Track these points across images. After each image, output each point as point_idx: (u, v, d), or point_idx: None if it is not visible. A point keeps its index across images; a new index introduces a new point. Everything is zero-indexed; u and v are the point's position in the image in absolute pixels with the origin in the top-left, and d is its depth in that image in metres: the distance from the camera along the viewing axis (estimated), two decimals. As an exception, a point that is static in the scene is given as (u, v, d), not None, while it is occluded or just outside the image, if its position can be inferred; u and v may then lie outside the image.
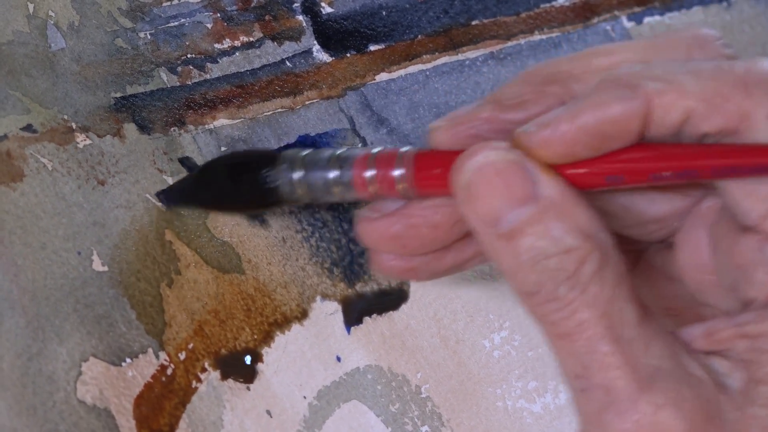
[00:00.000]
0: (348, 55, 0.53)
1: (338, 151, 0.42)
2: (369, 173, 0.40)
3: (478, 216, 0.37)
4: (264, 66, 0.52)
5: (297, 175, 0.42)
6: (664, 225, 0.41)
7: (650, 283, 0.42)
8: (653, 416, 0.34)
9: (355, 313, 0.49)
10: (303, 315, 0.48)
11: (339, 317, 0.49)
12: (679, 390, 0.35)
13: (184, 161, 0.49)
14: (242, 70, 0.51)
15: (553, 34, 0.57)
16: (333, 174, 0.41)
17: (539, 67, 0.40)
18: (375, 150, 0.41)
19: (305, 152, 0.43)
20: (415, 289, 0.51)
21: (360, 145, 0.52)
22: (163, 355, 0.45)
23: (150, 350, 0.45)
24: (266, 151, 0.47)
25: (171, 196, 0.48)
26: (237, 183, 0.43)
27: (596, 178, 0.37)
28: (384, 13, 0.55)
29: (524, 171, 0.36)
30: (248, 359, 0.47)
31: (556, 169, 0.37)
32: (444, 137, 0.40)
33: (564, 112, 0.36)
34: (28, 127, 0.47)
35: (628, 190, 0.39)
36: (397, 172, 0.40)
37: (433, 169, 0.39)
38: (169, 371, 0.45)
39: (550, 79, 0.39)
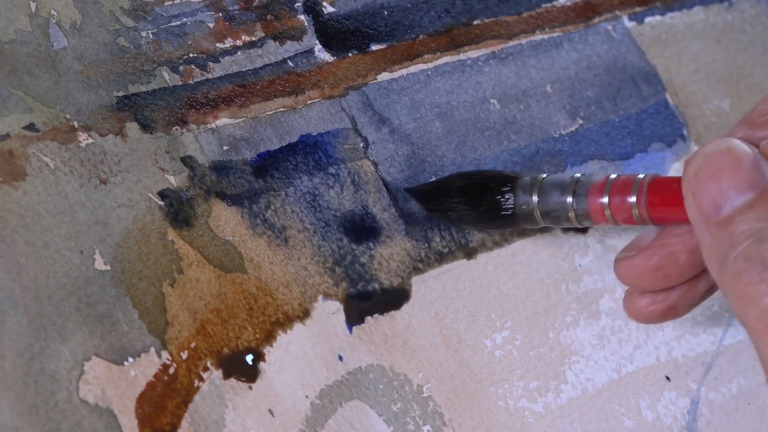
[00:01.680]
0: (350, 54, 0.53)
1: (575, 176, 0.43)
2: (604, 200, 0.41)
3: (701, 205, 0.37)
4: (266, 65, 0.52)
5: (534, 199, 0.43)
6: None
7: None
8: None
9: (356, 312, 0.49)
10: (305, 314, 0.48)
11: (341, 316, 0.49)
12: None
13: (186, 160, 0.49)
14: (244, 70, 0.51)
15: (555, 34, 0.57)
16: (568, 200, 0.42)
17: None
18: (612, 176, 0.41)
19: (542, 176, 0.44)
20: (417, 288, 0.51)
21: (361, 144, 0.52)
22: (165, 355, 0.45)
23: (152, 349, 0.45)
24: (505, 173, 0.49)
25: (419, 195, 0.50)
26: (476, 203, 0.45)
27: None
28: (386, 12, 0.55)
29: (751, 161, 0.37)
30: (250, 358, 0.47)
31: None
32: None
33: None
34: (31, 126, 0.46)
35: None
36: (632, 199, 0.41)
37: (669, 194, 0.40)
38: (171, 370, 0.45)
39: None
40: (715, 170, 0.38)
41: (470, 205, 0.47)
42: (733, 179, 0.37)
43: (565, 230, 0.54)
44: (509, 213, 0.45)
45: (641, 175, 0.42)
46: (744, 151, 0.38)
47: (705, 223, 0.37)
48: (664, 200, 0.40)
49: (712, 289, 0.43)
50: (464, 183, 0.49)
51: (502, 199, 0.45)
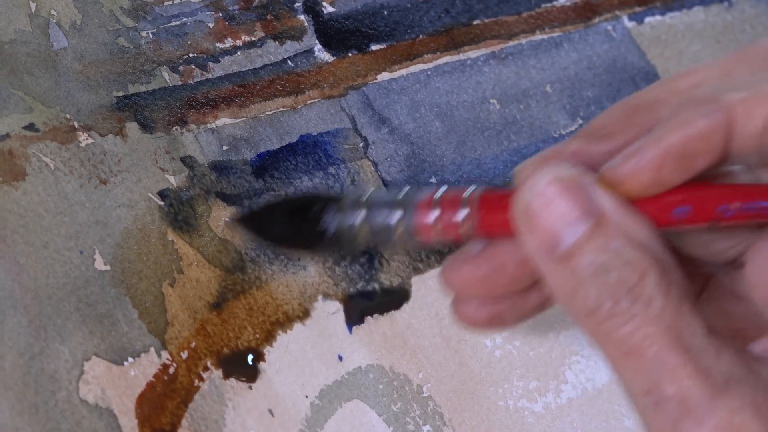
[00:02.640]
0: (349, 54, 0.53)
1: (400, 194, 0.40)
2: (433, 215, 0.39)
3: (536, 241, 0.36)
4: (266, 65, 0.52)
5: (358, 218, 0.41)
6: (734, 244, 0.40)
7: (716, 303, 0.41)
8: (731, 420, 0.34)
9: (356, 312, 0.49)
10: (305, 314, 0.48)
11: (341, 316, 0.49)
12: (755, 393, 0.34)
13: (186, 160, 0.49)
14: (244, 70, 0.51)
15: (555, 34, 0.58)
16: (395, 217, 0.40)
17: (626, 98, 0.40)
18: (440, 191, 0.39)
19: (366, 194, 0.41)
20: (417, 288, 0.51)
21: (361, 144, 0.52)
22: (165, 354, 0.45)
23: (152, 349, 0.45)
24: (328, 194, 0.46)
25: (244, 222, 0.47)
26: (296, 226, 0.42)
27: (664, 211, 0.37)
28: (385, 12, 0.55)
29: (580, 187, 0.36)
30: (250, 358, 0.47)
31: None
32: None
33: (649, 139, 0.36)
34: (31, 126, 0.46)
35: (694, 229, 0.38)
36: (461, 215, 0.39)
37: (499, 210, 0.38)
38: (171, 370, 0.45)
39: (636, 109, 0.39)
40: (546, 203, 0.36)
41: (293, 227, 0.44)
42: (565, 211, 0.35)
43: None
44: (332, 231, 0.42)
45: (471, 188, 0.40)
46: (572, 179, 0.36)
47: (544, 260, 0.36)
48: (495, 218, 0.38)
49: (544, 304, 0.41)
50: (287, 206, 0.45)
51: (325, 218, 0.41)
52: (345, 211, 0.40)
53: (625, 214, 0.36)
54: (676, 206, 0.37)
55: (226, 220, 0.47)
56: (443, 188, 0.40)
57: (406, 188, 0.41)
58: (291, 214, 0.42)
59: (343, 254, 0.48)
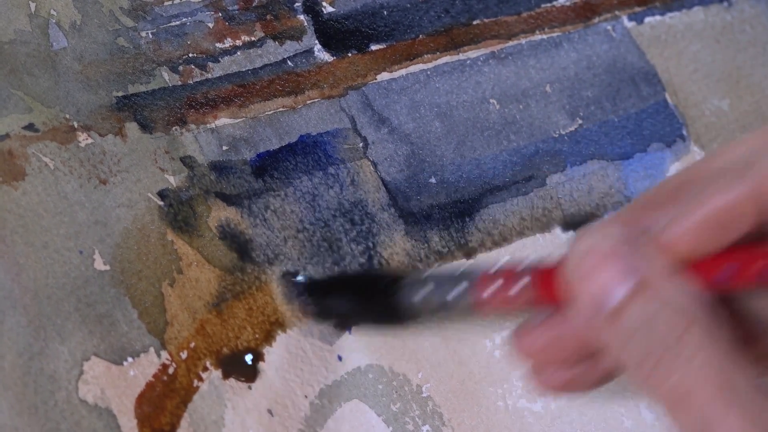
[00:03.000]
0: (349, 54, 0.53)
1: (459, 271, 0.43)
2: (491, 290, 0.41)
3: (586, 303, 0.37)
4: (265, 65, 0.52)
5: (419, 296, 0.43)
6: None
7: (745, 329, 0.42)
8: None
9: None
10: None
11: (340, 316, 0.49)
12: None
13: (186, 160, 0.49)
14: (244, 70, 0.51)
15: (554, 34, 0.58)
16: (455, 293, 0.42)
17: (676, 173, 0.42)
18: (496, 267, 0.41)
19: (426, 273, 0.44)
20: (417, 288, 0.51)
21: (361, 144, 0.52)
22: (164, 354, 0.45)
23: (151, 349, 0.45)
24: (393, 271, 0.49)
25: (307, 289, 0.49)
26: (362, 305, 0.45)
27: (710, 271, 0.38)
28: (385, 12, 0.55)
29: (622, 249, 0.37)
30: (250, 358, 0.47)
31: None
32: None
33: (686, 209, 0.38)
34: (30, 126, 0.47)
35: (747, 288, 0.40)
36: (517, 288, 0.40)
37: (553, 280, 0.40)
38: (170, 370, 0.45)
39: (684, 182, 0.40)
40: (591, 266, 0.37)
41: (359, 305, 0.47)
42: (611, 272, 0.37)
43: (565, 229, 0.54)
44: (399, 310, 0.44)
45: (527, 261, 0.42)
46: (617, 239, 0.38)
47: (595, 322, 0.37)
48: (551, 288, 0.40)
49: (620, 369, 0.42)
50: (353, 282, 0.48)
51: (393, 295, 0.44)
52: (409, 287, 0.43)
53: (670, 265, 0.37)
54: (721, 267, 0.38)
55: (294, 279, 0.48)
56: (501, 262, 0.42)
57: (465, 265, 0.43)
58: (356, 290, 0.45)
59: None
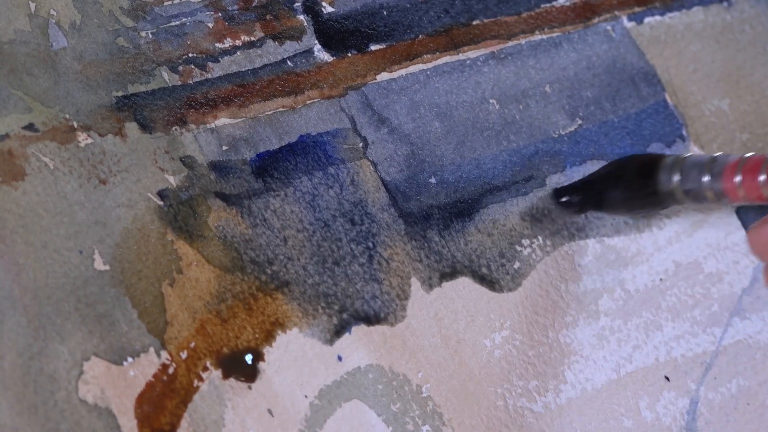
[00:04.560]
0: (349, 54, 0.53)
1: (712, 156, 0.46)
2: (737, 179, 0.42)
3: None
4: (265, 65, 0.52)
5: (675, 179, 0.47)
6: None
7: None
8: None
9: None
10: (304, 314, 0.48)
11: (340, 316, 0.49)
12: None
13: (186, 160, 0.49)
14: (243, 70, 0.51)
15: (554, 34, 0.58)
16: (705, 180, 0.45)
17: None
18: (746, 156, 0.43)
19: (683, 156, 0.47)
20: (416, 288, 0.51)
21: (361, 144, 0.52)
22: (164, 354, 0.45)
23: (151, 349, 0.45)
24: (649, 155, 0.52)
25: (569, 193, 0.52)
26: (622, 187, 0.47)
27: None
28: (385, 12, 0.55)
29: None
30: (250, 358, 0.47)
31: None
32: None
33: None
34: (30, 126, 0.46)
35: None
36: (761, 178, 0.42)
37: None
38: (170, 370, 0.45)
39: None
40: None
41: (618, 190, 0.50)
42: None
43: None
44: (654, 193, 0.48)
45: None
46: None
47: None
48: None
49: None
50: (607, 171, 0.51)
51: (647, 181, 0.48)
52: (663, 172, 0.47)
53: None
54: None
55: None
56: (750, 153, 0.45)
57: (719, 154, 0.46)
58: (621, 179, 0.49)
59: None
